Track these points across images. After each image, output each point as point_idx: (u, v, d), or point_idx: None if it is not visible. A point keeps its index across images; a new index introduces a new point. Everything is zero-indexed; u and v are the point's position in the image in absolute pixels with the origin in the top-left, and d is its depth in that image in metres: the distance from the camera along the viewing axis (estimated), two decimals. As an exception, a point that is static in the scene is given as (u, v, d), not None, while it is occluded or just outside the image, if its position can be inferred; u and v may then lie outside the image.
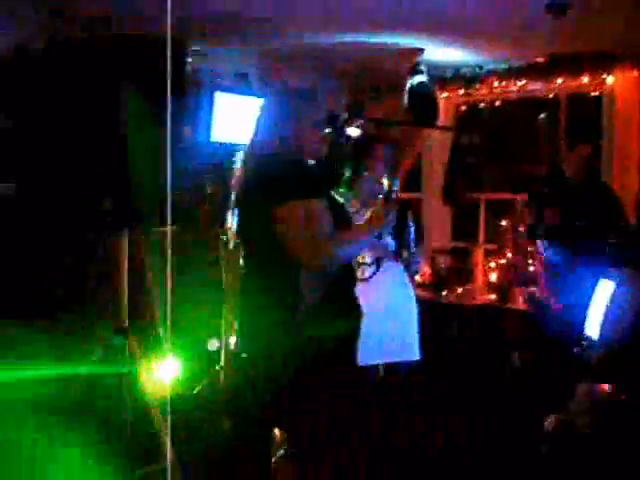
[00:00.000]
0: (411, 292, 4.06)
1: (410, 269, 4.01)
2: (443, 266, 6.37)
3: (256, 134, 2.75)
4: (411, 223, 3.86)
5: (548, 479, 3.66)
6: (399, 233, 3.93)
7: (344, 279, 2.82)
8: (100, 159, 3.26)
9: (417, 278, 5.01)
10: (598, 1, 4.01)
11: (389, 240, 3.95)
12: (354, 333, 2.84)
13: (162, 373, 4.08)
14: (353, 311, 2.86)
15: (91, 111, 3.33)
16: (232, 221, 2.75)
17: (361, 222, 3.57)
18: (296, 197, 2.49)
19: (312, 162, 2.76)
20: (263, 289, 2.65)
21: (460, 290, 6.37)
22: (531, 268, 5.13)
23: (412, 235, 3.83)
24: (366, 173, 3.85)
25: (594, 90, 5.85)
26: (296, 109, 2.67)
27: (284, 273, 2.58)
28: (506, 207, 6.34)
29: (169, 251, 3.23)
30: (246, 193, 2.66)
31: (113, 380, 3.64)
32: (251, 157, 2.70)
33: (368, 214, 2.89)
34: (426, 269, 6.41)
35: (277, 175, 2.55)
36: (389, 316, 3.88)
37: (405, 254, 3.87)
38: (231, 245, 2.89)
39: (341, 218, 2.74)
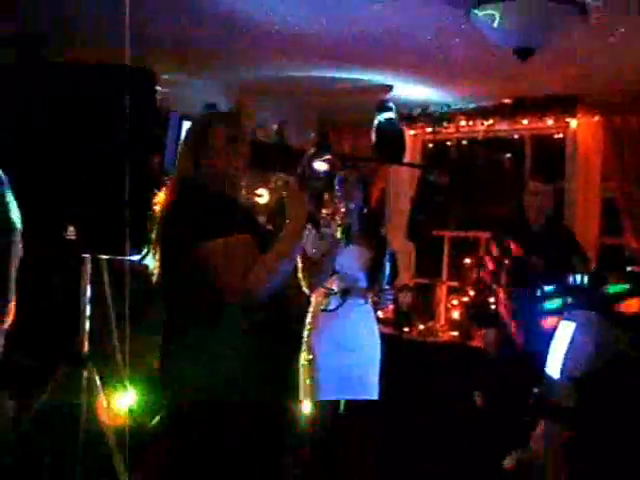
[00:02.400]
0: (376, 329, 4.04)
1: (380, 305, 3.98)
2: (406, 302, 6.37)
3: (179, 163, 2.69)
4: (389, 259, 3.87)
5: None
6: (373, 268, 3.92)
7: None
8: (68, 185, 3.22)
9: (379, 314, 5.01)
10: (564, 47, 4.09)
11: (360, 275, 3.94)
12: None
13: (119, 403, 4.01)
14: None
15: (57, 134, 3.30)
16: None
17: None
18: (218, 234, 2.40)
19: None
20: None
21: (422, 327, 6.37)
22: (493, 307, 5.15)
23: (388, 271, 3.83)
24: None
25: (558, 133, 5.97)
26: (210, 134, 2.61)
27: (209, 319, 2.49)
28: (470, 245, 6.39)
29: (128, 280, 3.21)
30: (165, 228, 2.55)
31: (67, 410, 3.58)
32: (172, 188, 2.61)
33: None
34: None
35: (198, 211, 2.47)
36: (352, 351, 3.86)
37: (377, 289, 3.84)
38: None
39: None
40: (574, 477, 3.12)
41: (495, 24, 3.50)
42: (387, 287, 3.84)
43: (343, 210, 3.43)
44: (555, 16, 3.50)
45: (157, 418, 4.79)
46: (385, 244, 4.07)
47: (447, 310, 6.46)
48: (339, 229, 3.54)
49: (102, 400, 3.64)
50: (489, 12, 3.47)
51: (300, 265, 3.73)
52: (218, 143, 2.60)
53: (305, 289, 3.81)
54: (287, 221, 2.56)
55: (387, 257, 3.85)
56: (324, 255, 3.67)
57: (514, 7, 3.44)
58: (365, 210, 4.07)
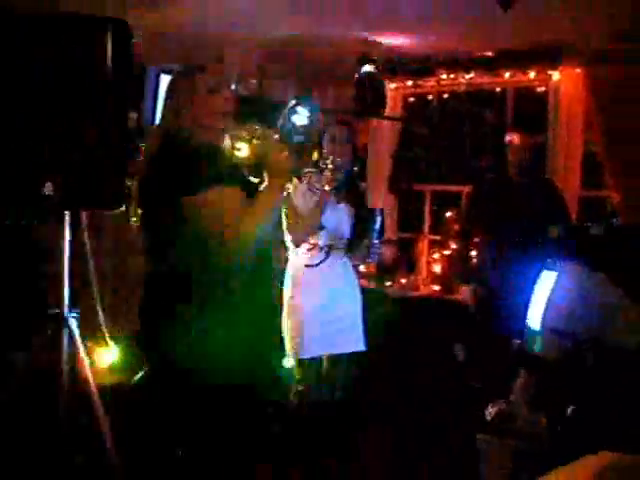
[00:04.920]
0: (356, 281, 4.06)
1: (368, 259, 3.97)
2: (388, 256, 6.37)
3: (162, 115, 2.69)
4: (378, 213, 3.86)
5: (486, 469, 3.70)
6: (356, 224, 3.92)
7: None
8: (45, 141, 3.16)
9: (361, 268, 5.02)
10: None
11: (344, 230, 3.93)
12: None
13: (100, 360, 4.00)
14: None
15: (33, 89, 3.24)
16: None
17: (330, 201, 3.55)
18: (205, 185, 2.42)
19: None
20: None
21: (404, 281, 6.39)
22: (474, 260, 5.15)
23: (378, 225, 3.82)
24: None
25: (540, 85, 5.93)
26: (192, 85, 2.61)
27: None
28: (451, 199, 6.38)
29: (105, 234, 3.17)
30: (152, 181, 2.56)
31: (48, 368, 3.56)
32: (155, 139, 2.62)
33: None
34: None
35: (182, 163, 2.47)
36: (336, 306, 3.87)
37: (366, 242, 3.83)
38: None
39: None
40: (553, 429, 3.15)
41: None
42: (375, 242, 3.84)
43: (331, 167, 3.44)
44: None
45: (139, 375, 4.80)
46: (364, 200, 4.08)
47: (429, 264, 6.47)
48: (327, 185, 3.55)
49: (84, 358, 3.63)
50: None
51: (286, 219, 3.73)
52: (199, 94, 2.58)
53: (290, 243, 3.81)
54: (268, 175, 2.55)
55: (377, 212, 3.85)
56: (312, 209, 3.68)
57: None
58: (355, 168, 4.09)
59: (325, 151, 3.84)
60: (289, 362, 3.94)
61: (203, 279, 2.49)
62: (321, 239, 3.84)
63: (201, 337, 2.44)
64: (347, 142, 3.96)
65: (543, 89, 5.91)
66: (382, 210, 3.93)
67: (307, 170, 3.70)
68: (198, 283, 2.49)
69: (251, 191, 2.55)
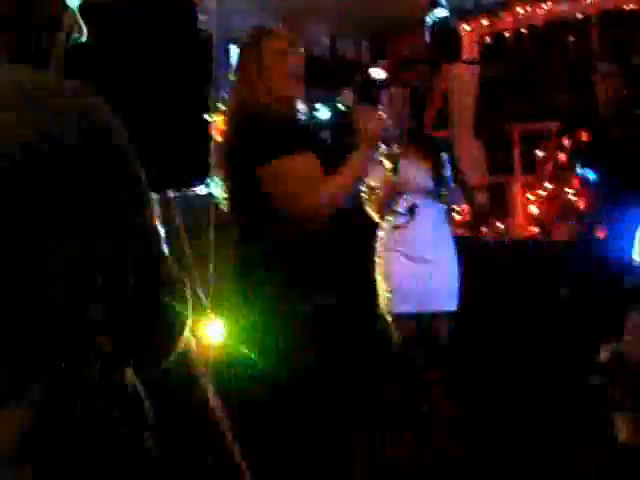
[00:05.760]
0: (450, 237, 3.98)
1: (450, 203, 3.93)
2: (481, 202, 6.24)
3: (234, 88, 2.64)
4: (445, 157, 3.78)
5: (602, 411, 3.60)
6: (436, 172, 3.84)
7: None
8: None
9: (455, 216, 4.93)
10: None
11: (424, 181, 3.85)
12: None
13: (206, 334, 4.05)
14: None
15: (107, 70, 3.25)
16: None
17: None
18: (281, 152, 2.38)
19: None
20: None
21: (500, 226, 6.25)
22: (573, 198, 4.98)
23: (449, 170, 3.75)
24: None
25: (628, 3, 5.56)
26: (259, 50, 2.55)
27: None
28: (541, 137, 6.17)
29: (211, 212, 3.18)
30: (229, 153, 2.54)
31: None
32: (231, 114, 2.59)
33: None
34: (464, 206, 6.30)
35: (258, 132, 2.43)
36: (427, 263, 3.81)
37: (444, 191, 3.78)
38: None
39: (335, 163, 2.54)
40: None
41: None
42: (452, 186, 3.78)
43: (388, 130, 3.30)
44: None
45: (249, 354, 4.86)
46: (438, 145, 3.97)
47: (524, 206, 6.30)
48: (387, 157, 3.40)
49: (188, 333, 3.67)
50: None
51: (365, 197, 3.68)
52: (268, 58, 2.53)
53: (374, 215, 3.80)
54: (357, 139, 2.51)
55: (446, 158, 3.77)
56: (384, 177, 3.60)
57: None
58: (415, 126, 3.99)
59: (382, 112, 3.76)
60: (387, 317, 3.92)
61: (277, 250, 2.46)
62: (404, 201, 3.77)
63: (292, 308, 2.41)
64: (405, 103, 3.87)
65: (632, 7, 5.53)
66: (450, 156, 3.84)
67: None
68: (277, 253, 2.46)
69: (329, 156, 2.50)
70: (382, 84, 4.59)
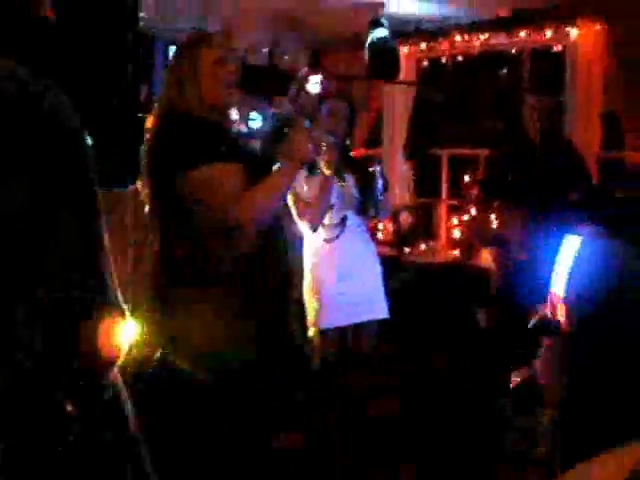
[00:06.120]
0: (373, 249, 4.04)
1: (379, 216, 4.03)
2: (406, 223, 6.32)
3: (164, 89, 2.61)
4: (378, 168, 3.82)
5: (511, 434, 3.68)
6: (364, 185, 3.87)
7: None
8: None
9: (380, 236, 4.99)
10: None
11: (354, 191, 3.88)
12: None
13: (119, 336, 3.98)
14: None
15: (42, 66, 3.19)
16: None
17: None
18: (203, 162, 2.36)
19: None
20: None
21: (423, 247, 6.34)
22: (496, 223, 5.08)
23: (380, 182, 3.79)
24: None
25: (557, 44, 5.78)
26: (197, 56, 2.52)
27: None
28: (469, 163, 6.30)
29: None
30: (154, 156, 2.49)
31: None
32: (157, 115, 2.55)
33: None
34: (389, 226, 6.36)
35: (181, 138, 2.42)
36: (354, 276, 3.84)
37: (371, 205, 3.82)
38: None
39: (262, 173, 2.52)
40: (573, 396, 3.11)
41: None
42: (381, 198, 3.82)
43: (325, 144, 3.29)
44: None
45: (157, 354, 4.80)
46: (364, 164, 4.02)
47: (448, 229, 6.41)
48: (326, 165, 3.46)
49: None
50: None
51: (294, 207, 3.68)
52: (205, 65, 2.51)
53: (304, 229, 3.79)
54: (283, 156, 2.49)
55: (377, 171, 3.80)
56: (318, 194, 3.61)
57: None
58: (347, 141, 4.02)
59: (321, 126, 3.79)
60: (311, 332, 3.93)
61: (206, 257, 2.44)
62: (334, 215, 3.79)
63: (212, 319, 2.39)
64: (344, 118, 3.89)
65: (560, 48, 5.77)
66: (381, 168, 3.88)
67: None
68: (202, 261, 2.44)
69: (256, 166, 2.49)
70: (319, 96, 4.60)
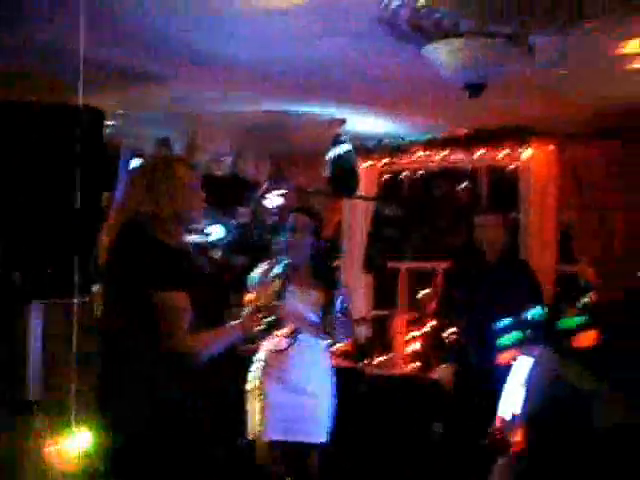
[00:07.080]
0: (328, 368, 3.98)
1: (336, 338, 3.95)
2: (363, 335, 6.33)
3: (125, 201, 2.60)
4: (339, 291, 3.83)
5: None
6: (326, 306, 3.84)
7: None
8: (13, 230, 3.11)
9: (337, 347, 4.95)
10: (514, 80, 4.11)
11: (312, 315, 3.85)
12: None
13: (71, 447, 3.91)
14: None
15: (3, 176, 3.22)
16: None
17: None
18: (170, 286, 2.42)
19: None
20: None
21: (381, 359, 6.32)
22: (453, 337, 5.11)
23: (339, 303, 3.77)
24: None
25: (512, 163, 5.98)
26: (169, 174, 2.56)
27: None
28: (427, 276, 6.38)
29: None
30: (108, 269, 2.53)
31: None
32: (120, 225, 2.55)
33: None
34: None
35: (138, 258, 2.46)
36: (302, 392, 3.79)
37: (331, 323, 3.78)
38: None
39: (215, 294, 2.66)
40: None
41: (443, 61, 3.49)
42: (339, 320, 3.77)
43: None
44: (502, 53, 3.50)
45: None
46: (336, 280, 4.02)
47: (405, 342, 6.41)
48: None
49: (51, 445, 3.54)
50: (437, 49, 3.46)
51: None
52: (182, 184, 2.55)
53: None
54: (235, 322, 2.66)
55: (338, 291, 3.81)
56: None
57: (460, 45, 3.43)
58: (319, 250, 4.00)
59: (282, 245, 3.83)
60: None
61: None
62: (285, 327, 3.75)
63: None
64: (307, 231, 3.87)
65: (514, 167, 5.97)
66: (345, 288, 3.90)
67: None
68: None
69: (206, 285, 2.57)
70: (282, 208, 4.65)
